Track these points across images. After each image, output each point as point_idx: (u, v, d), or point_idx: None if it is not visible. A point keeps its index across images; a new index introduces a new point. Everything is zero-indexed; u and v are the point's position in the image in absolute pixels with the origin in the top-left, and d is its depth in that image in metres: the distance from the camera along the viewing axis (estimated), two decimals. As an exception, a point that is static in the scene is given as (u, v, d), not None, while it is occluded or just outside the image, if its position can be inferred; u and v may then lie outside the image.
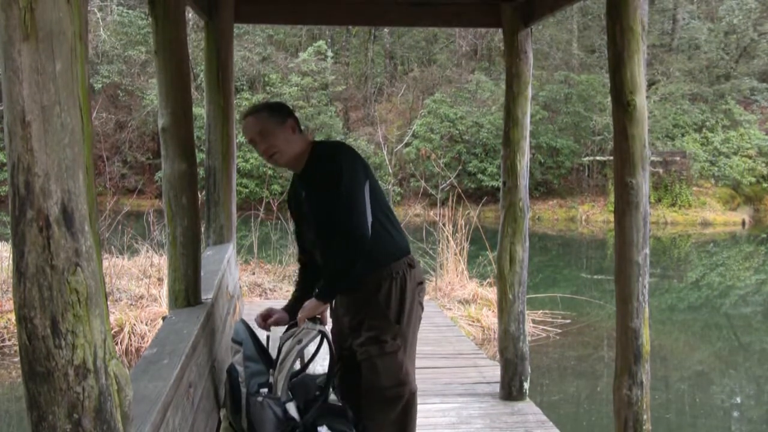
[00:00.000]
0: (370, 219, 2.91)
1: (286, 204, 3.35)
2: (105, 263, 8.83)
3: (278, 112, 3.04)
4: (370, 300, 3.03)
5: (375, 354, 3.00)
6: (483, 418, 4.35)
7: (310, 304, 3.08)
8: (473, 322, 8.44)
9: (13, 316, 5.89)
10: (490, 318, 8.29)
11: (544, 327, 8.78)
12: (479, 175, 24.01)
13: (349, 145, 3.15)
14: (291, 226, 11.18)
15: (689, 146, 24.52)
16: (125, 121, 26.04)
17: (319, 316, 3.18)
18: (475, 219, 10.38)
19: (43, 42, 1.42)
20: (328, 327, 3.28)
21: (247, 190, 22.10)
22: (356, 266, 2.95)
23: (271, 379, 3.13)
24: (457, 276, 9.82)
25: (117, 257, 9.97)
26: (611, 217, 4.16)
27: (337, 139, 24.62)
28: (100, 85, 25.06)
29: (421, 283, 3.16)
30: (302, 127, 3.15)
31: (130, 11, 26.68)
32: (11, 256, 1.58)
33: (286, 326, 3.25)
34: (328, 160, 2.98)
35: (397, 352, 3.00)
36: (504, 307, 4.66)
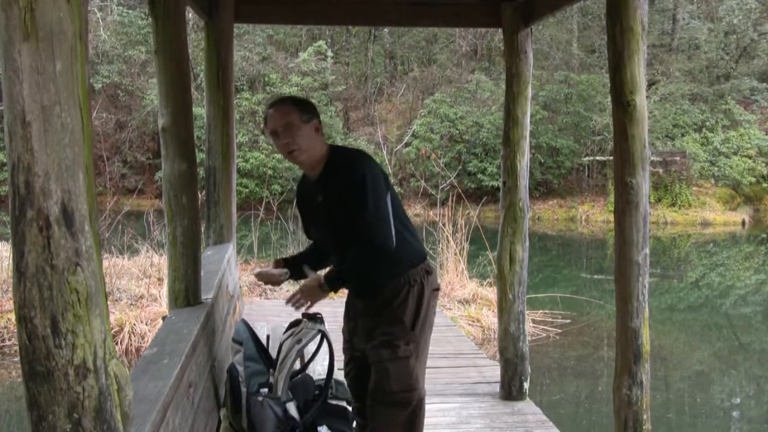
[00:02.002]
0: (393, 230, 2.88)
1: (295, 203, 3.29)
2: (105, 263, 8.83)
3: (306, 109, 2.97)
4: (386, 307, 3.00)
5: (387, 358, 2.97)
6: (483, 418, 4.35)
7: (311, 284, 2.98)
8: (473, 322, 8.44)
9: (13, 316, 5.89)
10: (490, 318, 8.29)
11: (544, 327, 8.78)
12: (479, 175, 24.00)
13: (368, 154, 3.10)
14: (291, 226, 11.22)
15: (689, 146, 24.51)
16: (125, 121, 26.04)
17: (319, 316, 3.17)
18: (475, 219, 10.38)
19: (43, 42, 1.42)
20: (341, 325, 3.26)
21: (247, 190, 22.10)
22: (374, 275, 2.93)
23: (271, 379, 3.14)
24: (457, 276, 9.82)
25: (117, 257, 9.97)
26: (611, 217, 4.16)
27: (337, 138, 24.64)
28: (100, 85, 25.05)
29: (437, 289, 3.13)
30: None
31: (130, 11, 26.67)
32: (11, 255, 1.58)
33: (287, 326, 3.25)
34: (350, 169, 2.92)
35: (409, 358, 2.98)
36: (504, 307, 4.66)
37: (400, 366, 2.97)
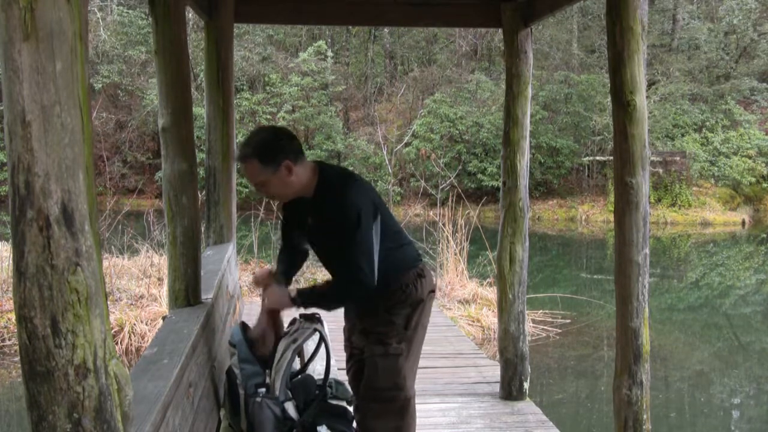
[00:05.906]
0: (377, 262, 2.88)
1: (282, 204, 3.28)
2: (105, 263, 8.83)
3: (271, 157, 2.86)
4: (380, 310, 3.04)
5: (378, 353, 3.03)
6: (483, 418, 4.36)
7: (282, 292, 3.05)
8: (473, 322, 8.44)
9: (13, 316, 5.89)
10: (490, 318, 8.29)
11: (544, 327, 8.78)
12: (479, 175, 24.00)
13: (359, 179, 3.06)
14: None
15: (689, 146, 24.50)
16: (125, 121, 26.04)
17: (317, 316, 3.18)
18: (475, 219, 10.39)
19: (43, 42, 1.42)
20: (341, 325, 3.29)
21: (247, 190, 22.01)
22: (349, 303, 3.10)
23: (267, 380, 3.13)
24: (457, 276, 9.83)
25: (117, 257, 9.98)
26: (611, 217, 4.17)
27: (337, 138, 24.63)
28: (100, 85, 25.05)
29: (432, 291, 3.14)
30: (302, 153, 2.99)
31: (130, 11, 26.68)
32: (11, 256, 1.58)
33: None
34: (340, 197, 2.89)
35: (399, 356, 3.01)
36: (504, 307, 4.66)
37: (389, 363, 3.01)
